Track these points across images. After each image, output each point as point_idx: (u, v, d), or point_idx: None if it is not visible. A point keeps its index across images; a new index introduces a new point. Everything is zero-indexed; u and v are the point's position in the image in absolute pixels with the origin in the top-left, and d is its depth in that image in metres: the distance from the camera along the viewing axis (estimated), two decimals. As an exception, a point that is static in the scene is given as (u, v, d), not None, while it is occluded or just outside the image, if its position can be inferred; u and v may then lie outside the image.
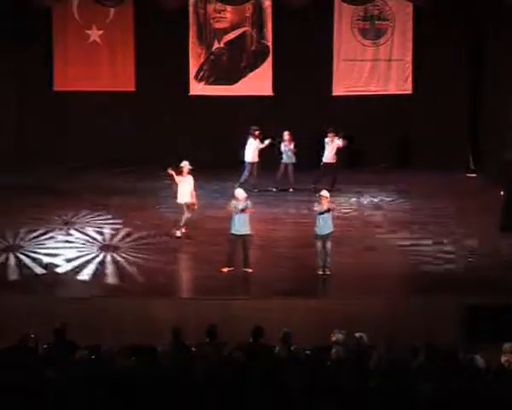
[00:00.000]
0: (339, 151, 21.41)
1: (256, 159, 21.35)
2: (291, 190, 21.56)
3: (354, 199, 20.92)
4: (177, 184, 17.74)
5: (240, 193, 16.07)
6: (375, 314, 14.06)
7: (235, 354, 10.24)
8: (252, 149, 21.32)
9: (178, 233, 17.66)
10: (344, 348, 10.70)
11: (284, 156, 21.59)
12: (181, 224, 17.63)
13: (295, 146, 21.52)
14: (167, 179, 18.45)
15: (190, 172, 17.66)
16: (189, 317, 13.71)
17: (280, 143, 21.67)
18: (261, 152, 21.38)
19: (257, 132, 21.29)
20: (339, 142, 21.26)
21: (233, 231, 15.79)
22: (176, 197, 17.81)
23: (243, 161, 21.35)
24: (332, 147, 21.32)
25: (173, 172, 17.60)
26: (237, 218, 15.75)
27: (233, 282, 15.53)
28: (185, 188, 17.66)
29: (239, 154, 21.54)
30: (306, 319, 13.92)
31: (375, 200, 20.90)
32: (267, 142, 21.23)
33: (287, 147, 21.54)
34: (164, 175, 18.44)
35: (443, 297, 14.61)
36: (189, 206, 17.64)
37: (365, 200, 20.93)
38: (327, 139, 21.34)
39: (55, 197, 20.58)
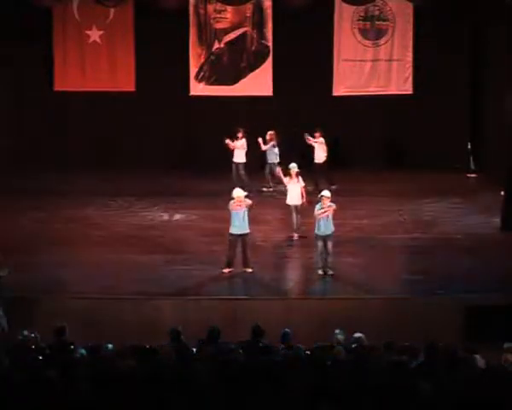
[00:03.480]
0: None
1: (241, 160, 21.26)
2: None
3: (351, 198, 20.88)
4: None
5: (237, 192, 15.94)
6: (375, 314, 14.07)
7: (235, 355, 10.24)
8: (237, 150, 21.32)
9: (296, 236, 17.65)
10: (344, 348, 10.70)
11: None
12: (294, 226, 17.62)
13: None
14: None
15: (299, 174, 17.62)
16: (189, 317, 13.71)
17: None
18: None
19: (239, 134, 21.22)
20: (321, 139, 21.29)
21: (233, 231, 15.75)
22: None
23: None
24: (320, 146, 21.27)
25: (281, 174, 17.60)
26: (237, 217, 15.67)
27: (233, 282, 15.52)
28: (294, 190, 17.65)
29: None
30: (306, 319, 13.92)
31: (373, 200, 20.88)
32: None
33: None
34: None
35: (443, 297, 14.61)
36: (297, 208, 17.64)
37: (363, 200, 20.92)
38: (317, 140, 21.30)
39: (55, 198, 20.58)
